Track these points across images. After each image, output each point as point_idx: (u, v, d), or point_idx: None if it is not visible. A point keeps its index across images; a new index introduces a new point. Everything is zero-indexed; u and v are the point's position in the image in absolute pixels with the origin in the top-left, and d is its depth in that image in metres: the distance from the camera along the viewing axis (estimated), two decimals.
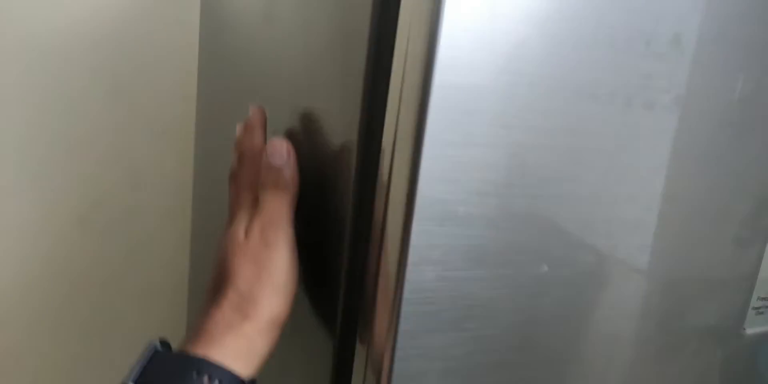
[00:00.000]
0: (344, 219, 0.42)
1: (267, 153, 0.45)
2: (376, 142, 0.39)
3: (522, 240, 0.39)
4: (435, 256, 0.37)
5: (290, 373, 0.53)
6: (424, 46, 0.34)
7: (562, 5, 0.36)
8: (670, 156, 0.44)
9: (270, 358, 0.43)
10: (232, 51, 0.66)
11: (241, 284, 0.43)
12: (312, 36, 0.47)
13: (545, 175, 0.39)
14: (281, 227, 0.44)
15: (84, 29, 0.79)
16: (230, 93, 0.67)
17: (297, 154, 0.45)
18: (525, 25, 0.36)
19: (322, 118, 0.46)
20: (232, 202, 0.49)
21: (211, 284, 0.45)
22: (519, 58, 0.36)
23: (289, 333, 0.53)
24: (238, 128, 0.49)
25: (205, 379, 0.39)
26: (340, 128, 0.43)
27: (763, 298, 0.49)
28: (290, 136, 0.49)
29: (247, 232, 0.44)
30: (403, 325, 0.37)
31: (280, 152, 0.44)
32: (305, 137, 0.48)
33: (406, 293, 0.37)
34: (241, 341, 0.41)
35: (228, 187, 0.49)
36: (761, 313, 0.50)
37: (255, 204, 0.45)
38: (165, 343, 0.44)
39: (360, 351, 0.42)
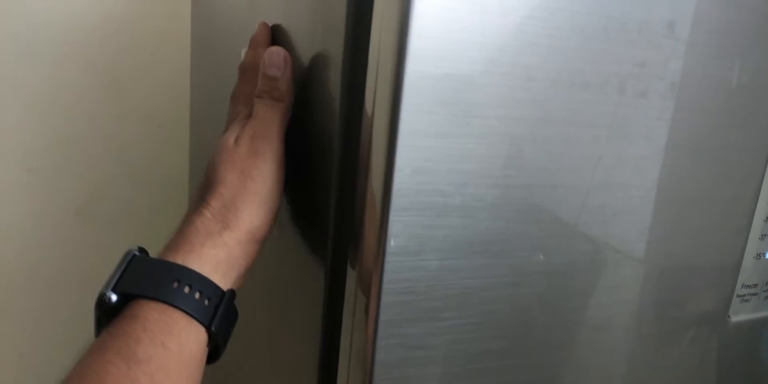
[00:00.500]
0: (327, 213, 0.42)
1: (264, 63, 0.44)
2: (355, 133, 0.39)
3: (500, 229, 0.39)
4: (413, 247, 0.37)
5: (279, 359, 0.54)
6: (395, 37, 0.34)
7: None
8: (664, 144, 0.43)
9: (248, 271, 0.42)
10: (222, 42, 0.66)
11: (225, 192, 0.42)
12: (292, 25, 0.47)
13: (527, 165, 0.39)
14: (271, 138, 0.43)
15: (78, 23, 0.79)
16: (222, 84, 0.67)
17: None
18: (510, 15, 0.36)
19: (304, 110, 0.46)
20: (229, 116, 0.48)
21: (197, 193, 0.45)
22: (503, 49, 0.36)
23: (280, 323, 0.53)
24: (244, 51, 0.49)
25: (186, 288, 0.38)
26: (321, 119, 0.43)
27: (748, 286, 0.49)
28: None
29: (237, 140, 0.44)
30: (383, 315, 0.38)
31: (278, 63, 0.44)
32: (289, 127, 0.48)
33: (385, 283, 0.37)
34: (220, 251, 0.40)
35: (229, 103, 0.49)
36: (746, 300, 0.50)
37: (249, 116, 0.45)
38: (143, 250, 0.43)
39: (344, 340, 0.42)
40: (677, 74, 0.42)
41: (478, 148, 0.38)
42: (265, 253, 0.44)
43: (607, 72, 0.40)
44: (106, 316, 0.38)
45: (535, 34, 0.37)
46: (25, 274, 0.85)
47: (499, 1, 0.35)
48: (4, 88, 0.78)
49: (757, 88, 0.46)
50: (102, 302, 0.38)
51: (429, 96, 0.35)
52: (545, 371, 0.45)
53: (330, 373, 0.43)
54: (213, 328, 0.39)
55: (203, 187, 0.44)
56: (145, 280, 0.39)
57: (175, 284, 0.38)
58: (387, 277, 0.37)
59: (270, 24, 0.49)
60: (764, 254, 0.50)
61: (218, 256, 0.40)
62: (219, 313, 0.39)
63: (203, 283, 0.39)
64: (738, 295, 0.50)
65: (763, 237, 0.50)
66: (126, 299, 0.38)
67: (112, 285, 0.39)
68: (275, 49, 0.44)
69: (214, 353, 0.41)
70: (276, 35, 0.49)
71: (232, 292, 0.41)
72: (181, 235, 0.41)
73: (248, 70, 0.47)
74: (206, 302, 0.39)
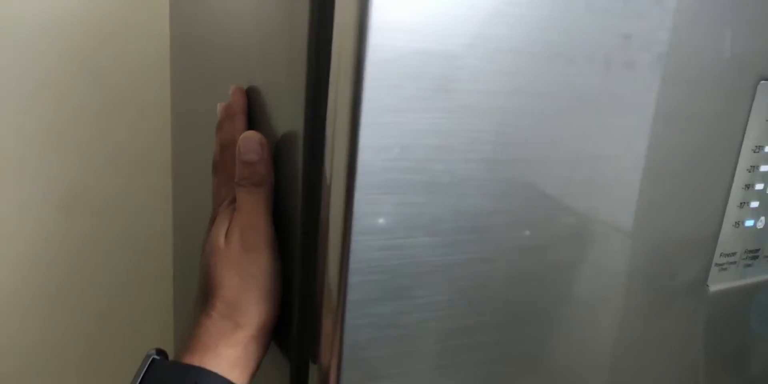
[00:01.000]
0: (296, 192, 0.41)
1: (239, 151, 0.43)
2: (321, 111, 0.38)
3: (471, 205, 0.39)
4: (379, 225, 0.36)
5: None
6: (356, 9, 0.33)
7: None
8: (652, 116, 0.43)
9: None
10: (199, 31, 0.64)
11: (227, 294, 0.42)
12: (262, 9, 0.46)
13: (500, 139, 0.38)
14: (260, 229, 0.43)
15: (57, 14, 0.78)
16: (201, 72, 0.65)
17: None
18: None
19: (272, 92, 0.45)
20: (213, 197, 0.48)
21: (199, 292, 0.45)
22: (473, 20, 0.35)
23: None
24: (219, 109, 0.48)
25: None
26: (288, 100, 0.42)
27: (727, 254, 0.49)
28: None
29: (227, 236, 0.43)
30: (351, 295, 0.37)
31: (253, 148, 0.43)
32: (258, 111, 0.47)
33: (352, 263, 0.36)
34: (235, 349, 0.41)
35: (212, 177, 0.48)
36: (724, 269, 0.49)
37: (235, 200, 0.44)
38: (161, 352, 0.44)
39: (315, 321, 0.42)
40: (664, 44, 0.41)
41: (446, 123, 0.37)
42: None
43: (591, 44, 0.38)
44: None
45: (508, 4, 0.36)
46: (7, 267, 0.84)
47: None
48: None
49: (743, 58, 0.45)
50: None
51: (394, 70, 0.34)
52: (527, 346, 0.45)
53: (302, 353, 0.43)
54: None
55: (203, 288, 0.44)
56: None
57: None
58: (354, 256, 0.36)
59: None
60: (743, 222, 0.50)
61: (234, 354, 0.41)
62: None
63: (221, 383, 0.40)
64: (716, 264, 0.49)
65: (741, 205, 0.49)
66: None
67: None
68: (249, 134, 0.43)
69: None
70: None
71: None
72: (194, 337, 0.42)
73: (227, 144, 0.46)
74: None
